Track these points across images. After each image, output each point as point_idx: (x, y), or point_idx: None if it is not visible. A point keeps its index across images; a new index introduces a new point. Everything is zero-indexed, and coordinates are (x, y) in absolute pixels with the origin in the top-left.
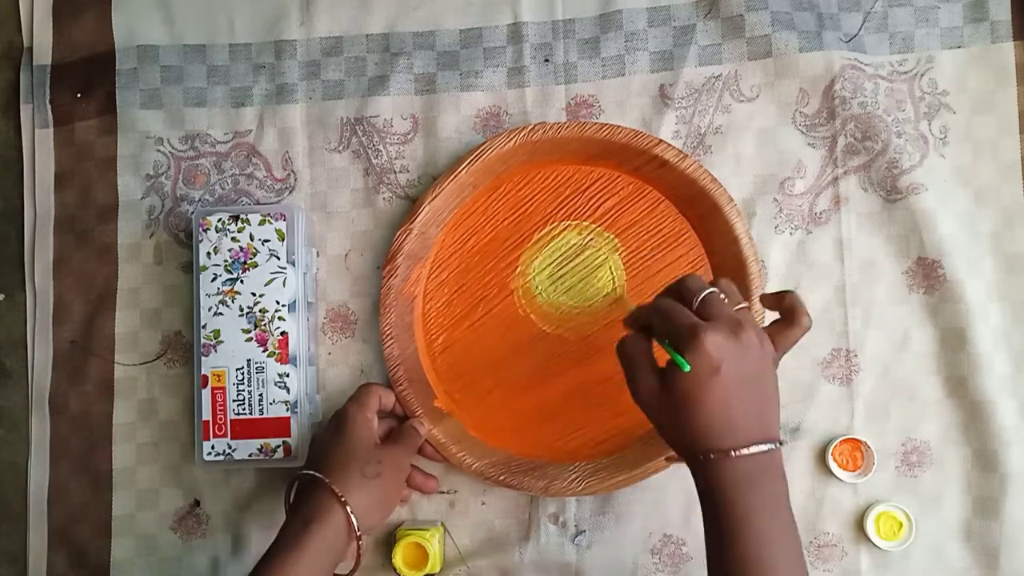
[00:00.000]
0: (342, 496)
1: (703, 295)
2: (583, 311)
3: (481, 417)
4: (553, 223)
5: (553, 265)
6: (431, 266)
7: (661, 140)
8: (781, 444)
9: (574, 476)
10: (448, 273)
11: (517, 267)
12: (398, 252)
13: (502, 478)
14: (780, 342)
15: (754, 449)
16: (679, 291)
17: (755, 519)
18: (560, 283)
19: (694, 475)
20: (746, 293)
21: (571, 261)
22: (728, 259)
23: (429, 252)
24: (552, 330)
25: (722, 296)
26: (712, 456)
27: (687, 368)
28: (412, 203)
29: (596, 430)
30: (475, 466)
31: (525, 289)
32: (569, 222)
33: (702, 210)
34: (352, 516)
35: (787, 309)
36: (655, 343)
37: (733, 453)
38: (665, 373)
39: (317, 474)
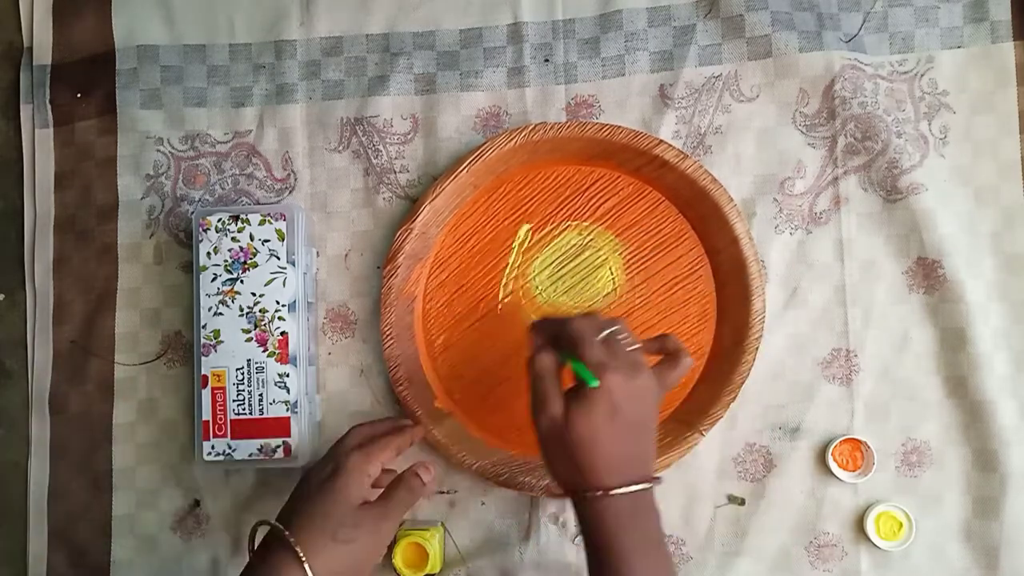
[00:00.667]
0: (304, 558)
1: (610, 330)
2: (583, 311)
3: (482, 417)
4: (553, 223)
5: (553, 265)
6: (431, 266)
7: (661, 140)
8: (656, 481)
9: None
10: (448, 273)
11: (517, 268)
12: (399, 252)
13: (503, 478)
14: (664, 381)
15: (635, 488)
16: (589, 322)
17: (633, 557)
18: (560, 283)
19: (577, 511)
20: (747, 293)
21: (571, 261)
22: (728, 259)
23: (429, 252)
24: None
25: (624, 335)
26: (597, 494)
27: (595, 383)
28: (412, 203)
29: None
30: (475, 466)
31: (525, 289)
32: (569, 222)
33: (702, 210)
34: None
35: (670, 351)
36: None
37: (616, 491)
38: (569, 403)
39: (282, 528)
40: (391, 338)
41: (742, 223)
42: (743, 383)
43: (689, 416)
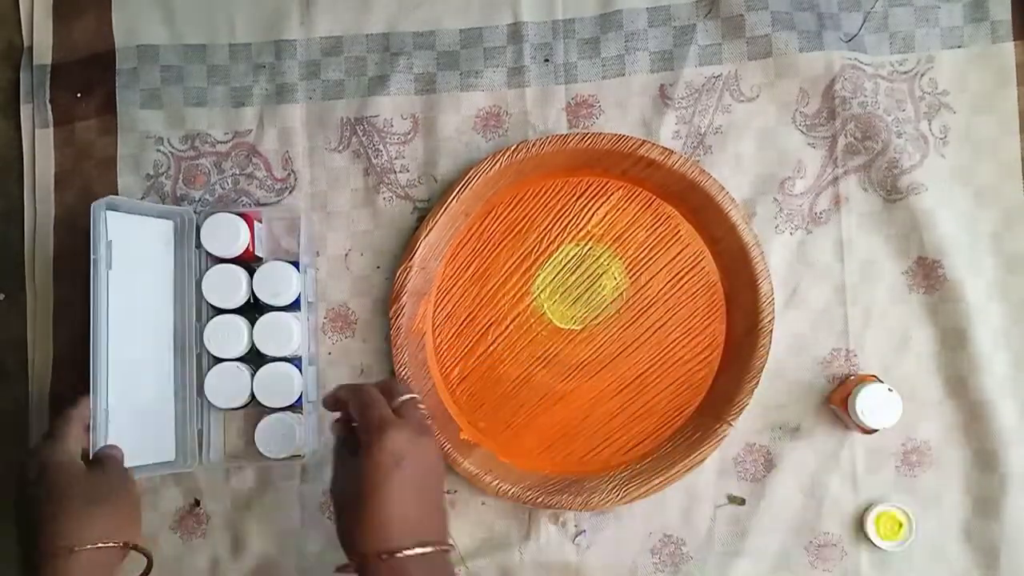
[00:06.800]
0: (74, 546)
1: (404, 398)
2: (592, 321)
3: (508, 442)
4: (549, 239)
5: (555, 281)
6: (435, 300)
7: (644, 140)
8: (449, 548)
9: (611, 486)
10: (453, 305)
11: (521, 288)
12: (402, 291)
13: (540, 500)
14: None
15: (426, 550)
16: (384, 389)
17: None
18: (565, 297)
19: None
20: (752, 277)
21: (573, 273)
22: (728, 247)
23: (432, 286)
24: (564, 345)
25: (422, 407)
26: (384, 557)
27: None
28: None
29: (624, 437)
30: (511, 492)
31: (532, 308)
32: (565, 235)
33: (695, 202)
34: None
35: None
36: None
37: (406, 553)
38: (357, 462)
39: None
40: (407, 377)
41: (736, 209)
42: (763, 368)
43: (715, 409)
